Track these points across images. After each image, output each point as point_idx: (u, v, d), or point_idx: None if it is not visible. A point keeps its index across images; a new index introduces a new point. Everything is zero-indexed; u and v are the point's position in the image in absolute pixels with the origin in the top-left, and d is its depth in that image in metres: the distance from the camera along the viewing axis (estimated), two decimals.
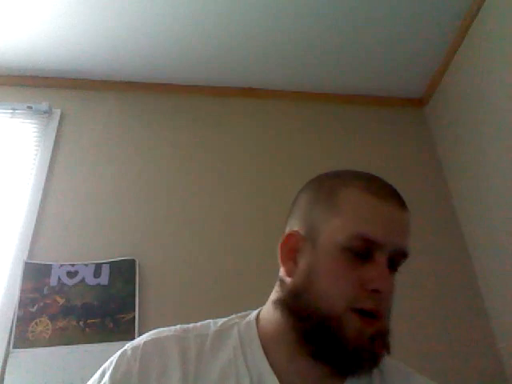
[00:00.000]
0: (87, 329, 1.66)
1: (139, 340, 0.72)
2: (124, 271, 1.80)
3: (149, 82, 2.32)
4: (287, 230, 0.74)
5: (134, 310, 1.71)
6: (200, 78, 2.32)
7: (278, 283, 0.73)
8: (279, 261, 0.72)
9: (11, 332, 1.62)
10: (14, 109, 2.12)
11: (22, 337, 1.62)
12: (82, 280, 1.76)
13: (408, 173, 2.25)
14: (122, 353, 0.70)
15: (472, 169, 2.06)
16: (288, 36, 2.12)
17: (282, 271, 0.72)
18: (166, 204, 2.02)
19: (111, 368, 0.69)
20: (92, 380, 0.71)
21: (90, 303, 1.72)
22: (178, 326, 0.74)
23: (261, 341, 0.70)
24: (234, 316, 0.77)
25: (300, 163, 2.20)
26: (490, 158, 1.94)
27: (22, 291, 1.70)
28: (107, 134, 2.17)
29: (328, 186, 0.73)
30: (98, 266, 1.80)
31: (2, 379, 1.53)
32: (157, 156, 2.14)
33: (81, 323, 1.67)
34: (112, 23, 2.03)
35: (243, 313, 0.77)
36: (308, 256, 0.68)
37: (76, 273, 1.77)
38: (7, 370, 1.55)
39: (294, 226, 0.73)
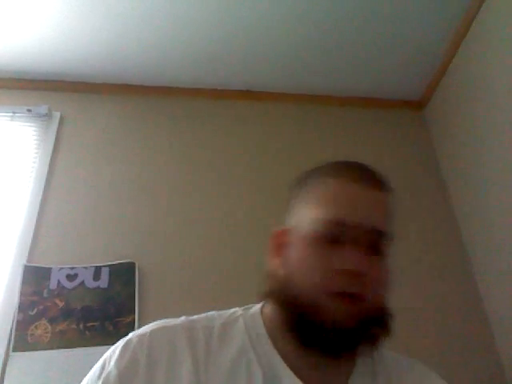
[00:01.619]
0: (87, 332, 1.66)
1: (145, 329, 0.70)
2: (123, 274, 1.80)
3: (148, 85, 2.32)
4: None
5: (134, 313, 1.71)
6: (198, 80, 2.32)
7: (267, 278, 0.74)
8: (269, 256, 0.74)
9: (11, 335, 1.62)
10: (13, 112, 2.12)
11: (22, 340, 1.62)
12: (82, 283, 1.76)
13: (407, 175, 2.25)
14: (126, 341, 0.67)
15: (471, 171, 2.07)
16: (286, 38, 2.12)
17: (270, 265, 0.73)
18: (165, 207, 2.02)
19: (115, 357, 0.65)
20: (91, 372, 0.66)
21: (89, 306, 1.72)
22: (184, 317, 0.72)
23: (268, 334, 0.69)
24: (237, 309, 0.75)
25: (298, 165, 2.18)
26: (489, 160, 1.94)
27: (22, 294, 1.70)
28: (107, 136, 2.17)
29: (304, 178, 0.77)
30: (98, 269, 1.80)
31: (2, 382, 1.53)
32: (156, 159, 2.14)
33: (80, 326, 1.67)
34: (111, 26, 2.04)
35: (246, 306, 0.76)
36: (290, 248, 0.70)
37: (75, 276, 1.77)
38: (7, 373, 1.55)
39: (286, 222, 0.75)
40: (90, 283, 1.77)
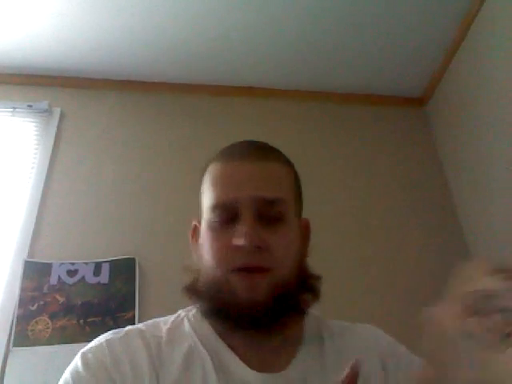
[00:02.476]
0: (87, 327, 1.66)
1: (96, 342, 0.67)
2: (124, 270, 1.80)
3: (148, 81, 2.31)
4: None
5: (134, 309, 1.71)
6: (199, 76, 2.32)
7: None
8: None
9: (11, 330, 1.62)
10: (14, 107, 2.12)
11: (22, 335, 1.62)
12: (82, 278, 1.76)
13: (408, 172, 2.25)
14: (81, 356, 0.64)
15: (473, 168, 2.06)
16: (287, 34, 2.12)
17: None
18: (165, 203, 2.01)
19: (80, 370, 0.62)
20: None
21: (90, 302, 1.72)
22: (129, 327, 0.71)
23: (211, 326, 0.70)
24: (180, 312, 0.76)
25: (300, 162, 2.19)
26: (490, 156, 1.94)
27: (22, 290, 1.70)
28: (107, 132, 2.17)
29: (206, 164, 0.77)
30: (98, 265, 1.80)
31: (2, 377, 1.53)
32: (156, 155, 2.14)
33: (81, 322, 1.67)
34: (112, 22, 2.03)
35: (187, 308, 0.76)
36: (200, 240, 0.72)
37: (76, 271, 1.77)
38: (7, 368, 1.55)
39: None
40: (91, 279, 1.77)
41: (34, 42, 2.10)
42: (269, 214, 0.67)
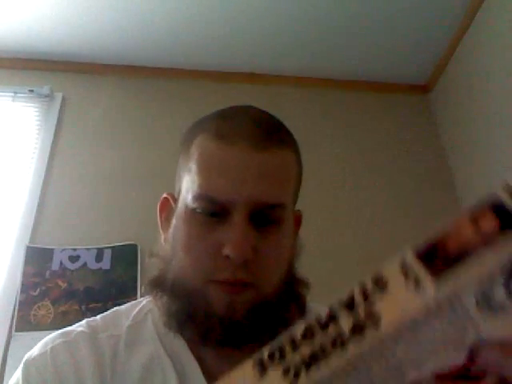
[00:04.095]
0: (89, 313, 1.66)
1: (42, 347, 0.59)
2: (126, 256, 1.80)
3: (151, 67, 2.30)
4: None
5: (136, 295, 1.72)
6: (202, 62, 2.30)
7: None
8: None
9: (13, 315, 1.63)
10: (15, 92, 2.11)
11: (25, 320, 1.63)
12: (84, 264, 1.77)
13: (412, 160, 2.24)
14: (24, 366, 0.57)
15: (477, 156, 2.05)
16: (290, 20, 2.09)
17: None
18: (167, 189, 2.00)
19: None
20: None
21: (91, 287, 1.72)
22: (85, 322, 0.64)
23: (178, 332, 0.60)
24: (145, 302, 0.65)
25: (302, 149, 2.18)
26: (495, 145, 1.92)
27: (24, 275, 1.71)
28: (109, 118, 2.16)
29: (187, 133, 0.65)
30: (100, 251, 1.80)
31: (5, 362, 1.55)
32: (158, 140, 2.13)
33: (83, 307, 1.67)
34: (114, 6, 2.01)
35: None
36: (175, 222, 0.61)
37: (78, 257, 1.78)
38: (9, 352, 1.56)
39: (176, 186, 0.67)
40: (93, 264, 1.77)
41: (36, 26, 2.08)
42: (264, 218, 0.56)
